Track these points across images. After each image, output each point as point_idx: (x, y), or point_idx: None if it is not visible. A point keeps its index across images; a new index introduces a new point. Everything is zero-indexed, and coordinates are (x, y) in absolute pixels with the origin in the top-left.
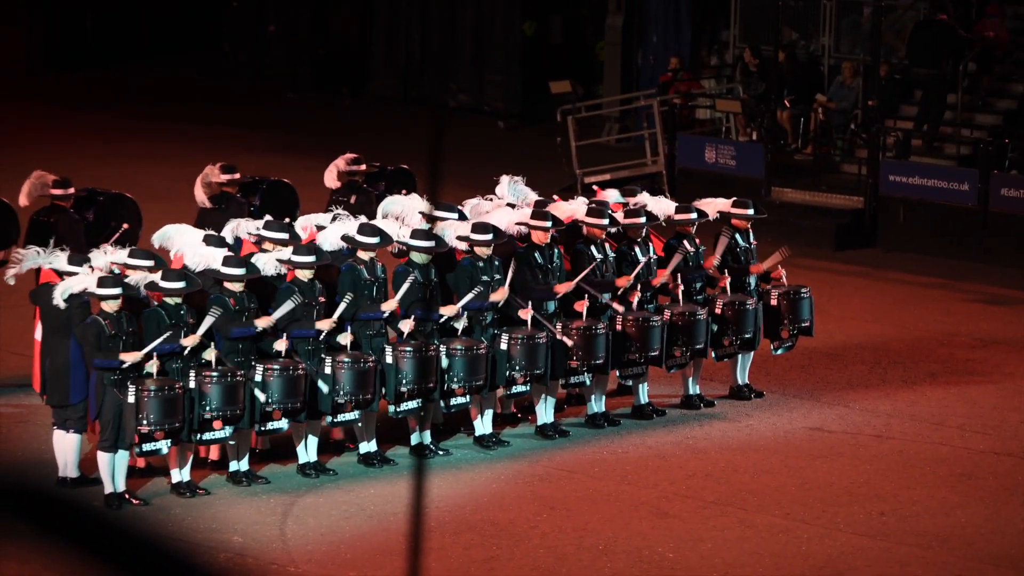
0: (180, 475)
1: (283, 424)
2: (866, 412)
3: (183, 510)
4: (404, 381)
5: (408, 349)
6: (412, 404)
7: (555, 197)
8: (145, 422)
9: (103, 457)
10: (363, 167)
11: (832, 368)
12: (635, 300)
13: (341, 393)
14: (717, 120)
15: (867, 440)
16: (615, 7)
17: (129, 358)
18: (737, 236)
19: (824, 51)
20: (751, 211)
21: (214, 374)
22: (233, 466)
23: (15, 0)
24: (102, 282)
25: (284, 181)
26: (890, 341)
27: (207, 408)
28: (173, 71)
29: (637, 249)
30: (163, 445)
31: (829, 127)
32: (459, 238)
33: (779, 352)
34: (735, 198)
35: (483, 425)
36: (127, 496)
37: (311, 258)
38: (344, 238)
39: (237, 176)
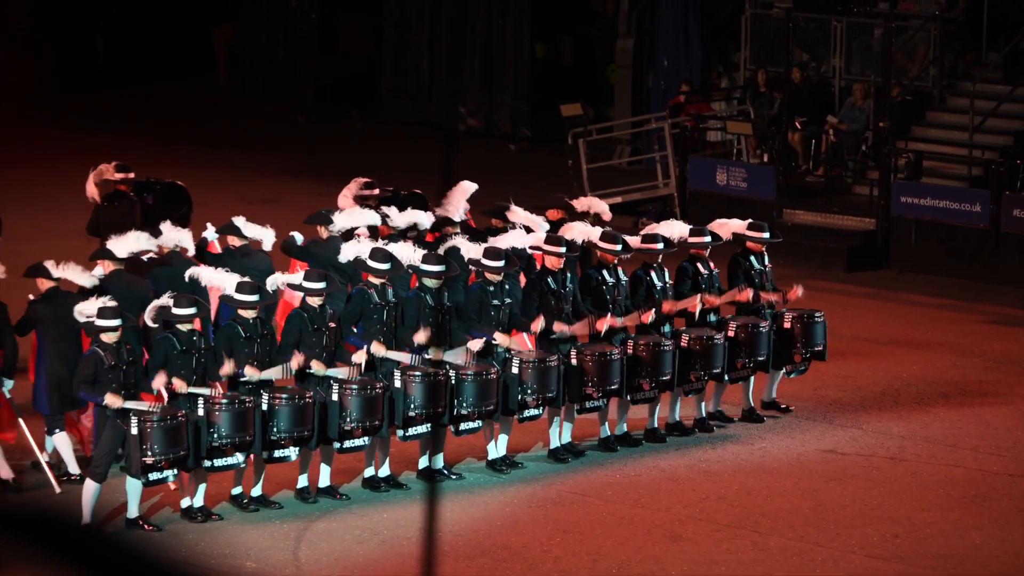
0: (193, 500)
1: (291, 453)
2: (879, 434)
3: (196, 535)
4: (413, 406)
5: (417, 374)
6: (421, 429)
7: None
8: (150, 452)
9: (90, 486)
10: (376, 191)
11: (845, 390)
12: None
13: (349, 420)
14: (728, 142)
15: (881, 462)
16: (625, 30)
17: (111, 401)
18: (752, 259)
19: (835, 72)
20: (766, 234)
21: (223, 401)
22: (239, 490)
23: (26, 25)
24: (102, 313)
25: (178, 183)
26: (903, 363)
27: (215, 436)
28: (183, 94)
29: (653, 274)
30: (169, 474)
31: (840, 149)
32: (470, 262)
33: (792, 376)
34: (750, 220)
35: (497, 448)
36: (141, 523)
37: (321, 284)
38: (355, 262)
39: (131, 175)
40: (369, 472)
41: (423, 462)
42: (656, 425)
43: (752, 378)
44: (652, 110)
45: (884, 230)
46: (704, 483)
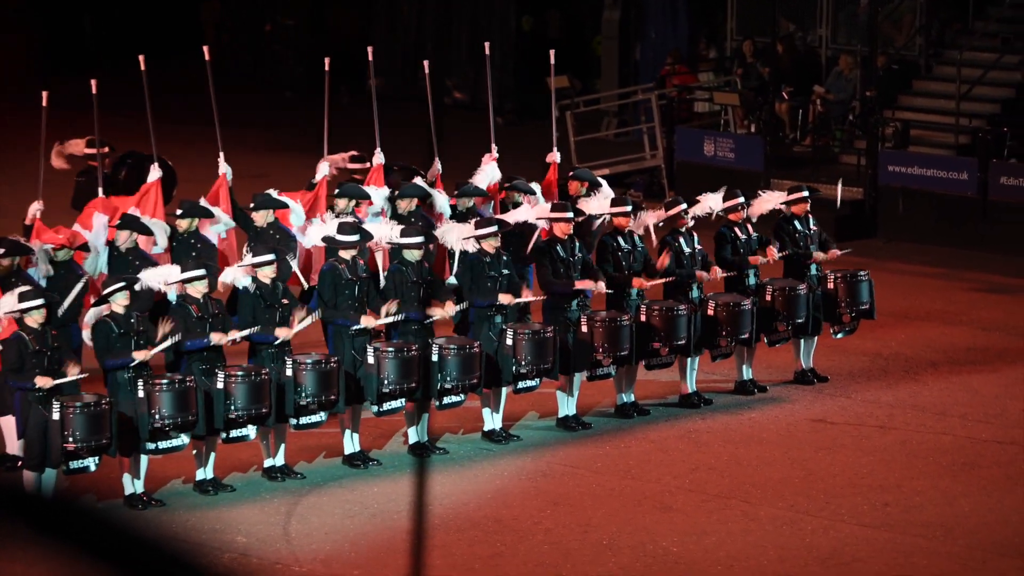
0: (134, 486)
1: (250, 432)
2: (868, 403)
3: (187, 511)
4: (386, 381)
5: (390, 349)
6: (395, 404)
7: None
8: (71, 439)
9: (29, 477)
10: (365, 165)
11: (833, 359)
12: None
13: (304, 395)
14: (715, 113)
15: (870, 431)
16: (612, 1)
17: (41, 382)
18: (796, 222)
19: (821, 42)
20: (805, 193)
21: (164, 382)
22: (200, 475)
23: (14, 5)
24: (23, 296)
25: (161, 157)
26: (891, 331)
27: (157, 417)
28: (170, 72)
29: (682, 240)
30: (91, 462)
31: (827, 118)
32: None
33: (839, 336)
34: (791, 185)
35: (493, 420)
36: None
37: (270, 257)
38: (324, 239)
39: (94, 151)
40: (348, 450)
41: (412, 436)
42: (692, 390)
43: (803, 341)
44: (639, 82)
45: (872, 199)
46: (694, 454)
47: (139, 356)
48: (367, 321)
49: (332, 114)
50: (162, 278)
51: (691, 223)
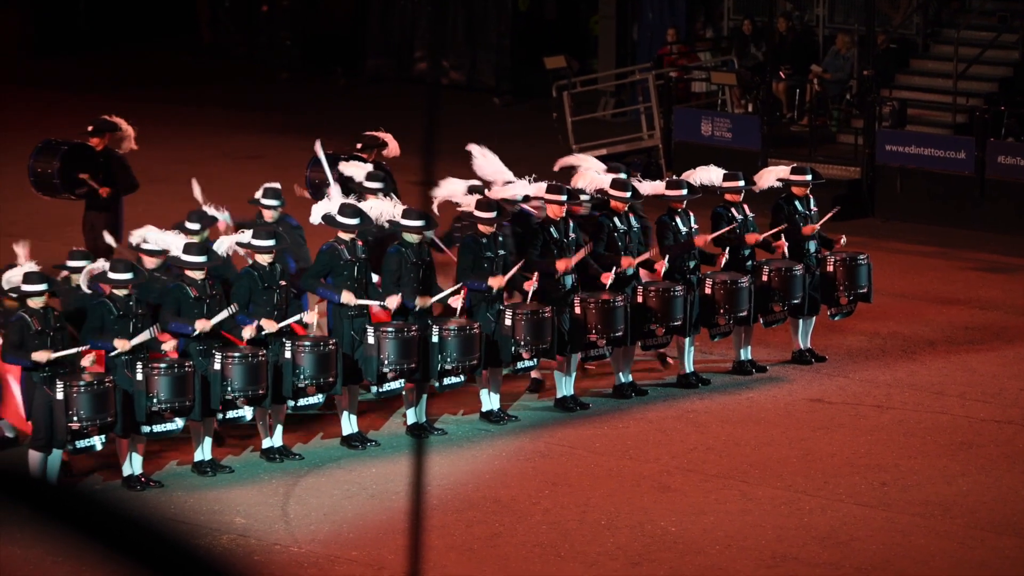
0: (131, 468)
1: (246, 413)
2: (866, 382)
3: (185, 492)
4: (386, 362)
5: (391, 330)
6: (395, 385)
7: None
8: (76, 418)
9: (35, 456)
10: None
11: (831, 339)
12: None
13: (302, 377)
14: (713, 93)
15: (867, 410)
16: None
17: (39, 357)
18: (796, 203)
19: (818, 21)
20: (809, 176)
21: (163, 366)
22: (198, 456)
23: None
24: (28, 278)
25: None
26: (889, 311)
27: (155, 401)
28: (166, 53)
29: (678, 220)
30: (96, 441)
31: (825, 98)
32: (462, 215)
33: (836, 318)
34: (795, 164)
35: (491, 400)
36: None
37: (270, 242)
38: (325, 218)
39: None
40: (346, 431)
41: (411, 417)
42: (689, 371)
43: (801, 321)
44: (637, 62)
45: (869, 178)
46: (692, 434)
47: (120, 346)
48: (348, 298)
49: (327, 95)
50: (167, 245)
51: (684, 203)
